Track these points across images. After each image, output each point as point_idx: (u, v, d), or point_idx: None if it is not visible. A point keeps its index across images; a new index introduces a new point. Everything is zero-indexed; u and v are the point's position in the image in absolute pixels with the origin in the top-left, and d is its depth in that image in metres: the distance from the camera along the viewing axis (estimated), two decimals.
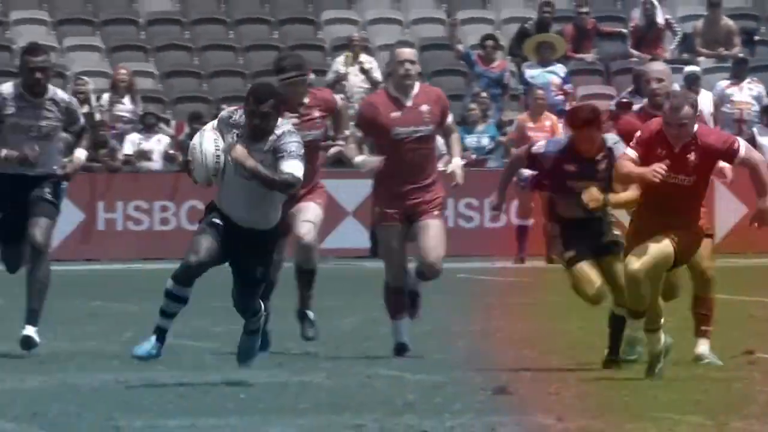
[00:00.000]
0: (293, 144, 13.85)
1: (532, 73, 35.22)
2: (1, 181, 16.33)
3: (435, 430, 11.45)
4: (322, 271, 16.87)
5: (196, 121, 34.03)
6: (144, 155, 35.13)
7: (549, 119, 33.36)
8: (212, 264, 13.93)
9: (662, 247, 14.07)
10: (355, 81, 36.33)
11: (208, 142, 14.04)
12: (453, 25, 38.23)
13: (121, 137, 35.67)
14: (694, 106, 13.89)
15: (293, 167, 13.64)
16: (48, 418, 11.93)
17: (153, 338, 13.97)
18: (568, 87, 35.79)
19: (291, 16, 40.58)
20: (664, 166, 13.79)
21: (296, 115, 16.73)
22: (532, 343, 17.32)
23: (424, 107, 15.24)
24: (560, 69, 35.37)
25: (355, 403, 12.69)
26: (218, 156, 14.08)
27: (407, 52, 15.54)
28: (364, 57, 36.57)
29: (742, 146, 14.12)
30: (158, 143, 35.65)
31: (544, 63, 35.19)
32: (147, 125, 36.30)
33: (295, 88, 16.64)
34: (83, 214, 34.32)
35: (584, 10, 38.60)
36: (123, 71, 37.14)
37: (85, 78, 37.30)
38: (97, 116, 36.33)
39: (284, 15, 40.50)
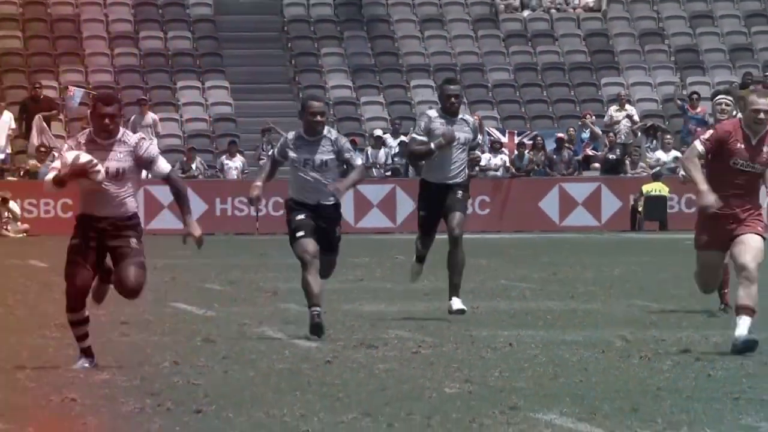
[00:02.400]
0: None
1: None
2: None
3: None
4: None
5: None
6: None
7: None
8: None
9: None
10: (624, 122, 47.83)
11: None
12: (678, 86, 49.79)
13: None
14: None
15: None
16: None
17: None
18: None
19: (580, 81, 51.01)
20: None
21: None
22: None
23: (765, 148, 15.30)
24: None
25: None
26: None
27: (761, 102, 15.09)
28: (628, 107, 47.91)
29: None
30: None
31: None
32: None
33: None
34: None
35: None
36: None
37: None
38: None
39: (579, 80, 50.76)
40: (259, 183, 17.21)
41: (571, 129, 48.46)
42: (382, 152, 49.27)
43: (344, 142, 16.07)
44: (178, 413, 12.56)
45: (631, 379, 14.78)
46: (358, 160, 15.97)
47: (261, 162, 48.26)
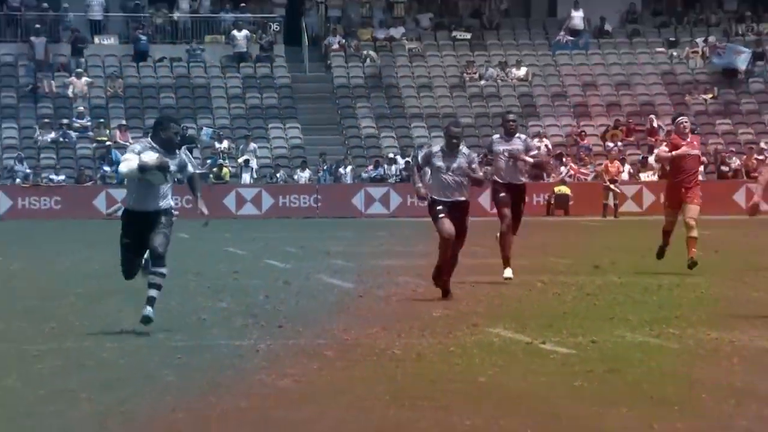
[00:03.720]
0: None
1: None
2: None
3: None
4: None
5: None
6: None
7: None
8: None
9: None
10: (542, 149, 49.44)
11: None
12: (574, 127, 57.15)
13: None
14: None
15: None
16: None
17: None
18: None
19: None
20: None
21: None
22: None
23: None
24: None
25: None
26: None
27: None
28: (545, 140, 54.76)
29: None
30: None
31: None
32: None
33: None
34: None
35: None
36: None
37: None
38: None
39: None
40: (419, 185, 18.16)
41: None
42: (393, 167, 56.94)
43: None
44: (268, 327, 14.80)
45: (548, 306, 16.85)
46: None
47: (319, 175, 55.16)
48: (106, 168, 56.14)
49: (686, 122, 22.84)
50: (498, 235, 21.12)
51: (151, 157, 14.65)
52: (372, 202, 55.24)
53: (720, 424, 9.57)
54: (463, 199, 18.10)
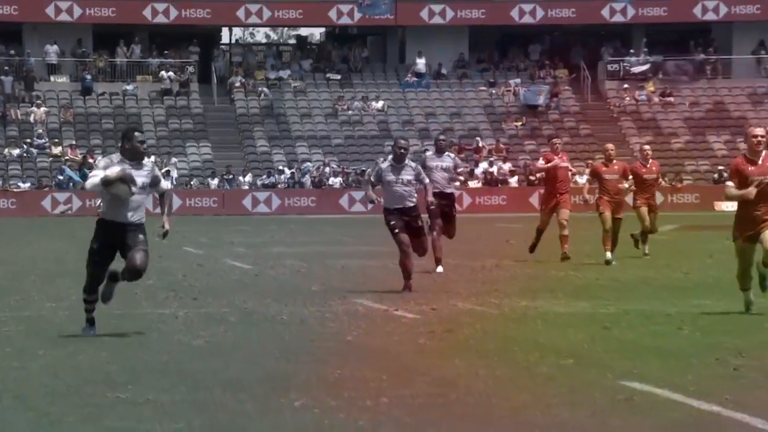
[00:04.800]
0: None
1: None
2: None
3: None
4: None
5: None
6: None
7: None
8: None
9: None
10: None
11: None
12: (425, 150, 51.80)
13: None
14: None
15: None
16: None
17: None
18: None
19: (370, 147, 60.40)
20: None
21: None
22: None
23: None
24: None
25: None
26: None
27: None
28: None
29: None
30: None
31: None
32: None
33: None
34: None
35: None
36: None
37: None
38: None
39: (371, 145, 59.06)
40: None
41: None
42: (282, 176, 56.29)
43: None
44: (185, 299, 14.78)
45: (399, 283, 16.67)
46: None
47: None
48: (60, 177, 56.53)
49: (558, 142, 22.24)
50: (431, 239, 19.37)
51: (113, 170, 11.91)
52: (258, 203, 55.51)
53: (528, 372, 9.59)
54: (411, 204, 16.25)
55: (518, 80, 64.14)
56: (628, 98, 63.01)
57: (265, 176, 57.79)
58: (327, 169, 57.76)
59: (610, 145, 22.02)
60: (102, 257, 12.00)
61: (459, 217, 20.36)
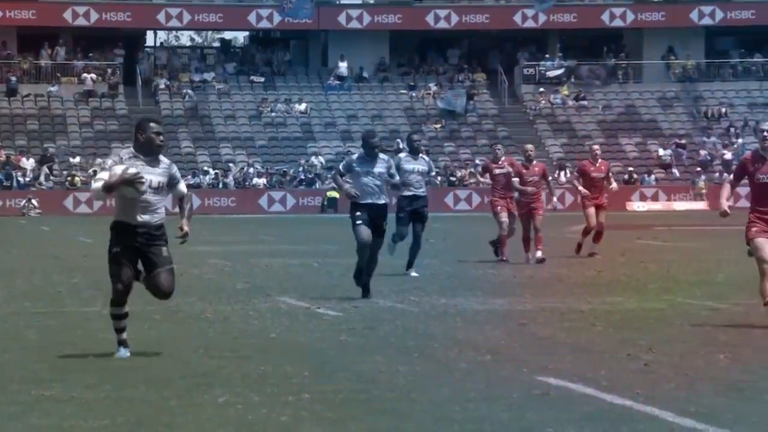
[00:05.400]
0: None
1: None
2: None
3: None
4: None
5: None
6: None
7: None
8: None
9: None
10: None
11: None
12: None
13: None
14: None
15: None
16: None
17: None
18: None
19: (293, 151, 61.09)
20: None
21: None
22: None
23: None
24: None
25: None
26: None
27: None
28: None
29: None
30: None
31: None
32: None
33: None
34: None
35: None
36: None
37: None
38: None
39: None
40: None
41: None
42: (207, 177, 56.94)
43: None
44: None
45: (321, 281, 17.70)
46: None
47: None
48: None
49: (499, 149, 21.22)
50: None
51: (116, 171, 9.84)
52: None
53: (447, 368, 9.60)
54: (381, 202, 15.11)
55: (435, 85, 64.65)
56: (543, 101, 64.07)
57: (189, 177, 57.62)
58: (251, 170, 57.28)
59: (529, 146, 21.71)
60: (127, 259, 10.07)
61: None
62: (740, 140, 60.79)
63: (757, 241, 11.29)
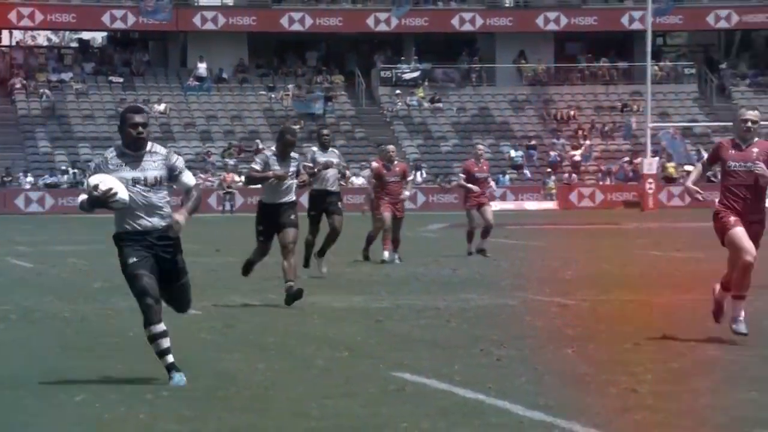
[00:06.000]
0: None
1: None
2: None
3: None
4: None
5: None
6: None
7: None
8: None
9: None
10: None
11: None
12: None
13: None
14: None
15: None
16: None
17: None
18: None
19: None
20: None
21: None
22: None
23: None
24: None
25: None
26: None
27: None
28: None
29: None
30: None
31: None
32: None
33: None
34: None
35: None
36: None
37: None
38: None
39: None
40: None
41: None
42: (65, 177, 56.37)
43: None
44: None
45: (214, 279, 16.96)
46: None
47: None
48: None
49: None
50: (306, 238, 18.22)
51: (91, 182, 8.43)
52: (30, 202, 54.78)
53: (305, 364, 9.59)
54: (291, 200, 14.55)
55: (294, 87, 64.54)
56: (400, 103, 64.76)
57: (47, 176, 56.84)
58: None
59: (390, 147, 21.24)
60: (146, 268, 8.52)
61: (233, 216, 20.30)
62: (587, 142, 62.01)
63: (735, 232, 10.38)
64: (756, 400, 7.77)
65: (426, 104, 64.87)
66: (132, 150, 8.57)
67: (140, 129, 8.50)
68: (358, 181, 55.02)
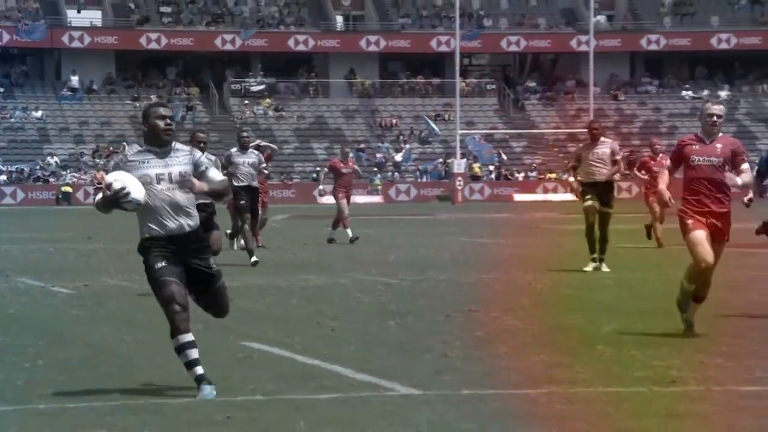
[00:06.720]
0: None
1: None
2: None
3: None
4: None
5: None
6: None
7: None
8: None
9: None
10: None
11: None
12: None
13: None
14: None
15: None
16: None
17: None
18: None
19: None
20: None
21: None
22: None
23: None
24: None
25: None
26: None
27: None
28: None
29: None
30: None
31: None
32: None
33: None
34: None
35: None
36: None
37: None
38: None
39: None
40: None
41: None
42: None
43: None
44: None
45: (61, 262, 16.96)
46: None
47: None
48: None
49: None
50: (229, 233, 17.72)
51: (108, 180, 6.81)
52: None
53: (165, 336, 9.38)
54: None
55: (156, 97, 63.34)
56: (248, 112, 64.59)
57: None
58: None
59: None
60: (173, 275, 6.89)
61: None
62: (407, 145, 62.70)
63: (695, 234, 8.72)
64: (545, 361, 7.88)
65: (271, 113, 64.53)
66: (156, 146, 6.91)
67: (168, 121, 6.90)
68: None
